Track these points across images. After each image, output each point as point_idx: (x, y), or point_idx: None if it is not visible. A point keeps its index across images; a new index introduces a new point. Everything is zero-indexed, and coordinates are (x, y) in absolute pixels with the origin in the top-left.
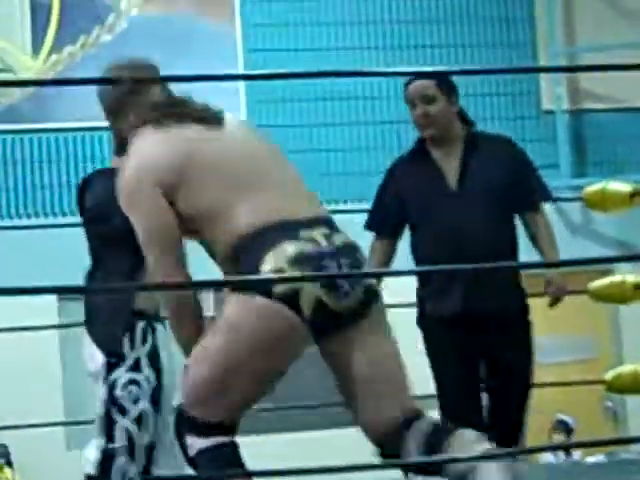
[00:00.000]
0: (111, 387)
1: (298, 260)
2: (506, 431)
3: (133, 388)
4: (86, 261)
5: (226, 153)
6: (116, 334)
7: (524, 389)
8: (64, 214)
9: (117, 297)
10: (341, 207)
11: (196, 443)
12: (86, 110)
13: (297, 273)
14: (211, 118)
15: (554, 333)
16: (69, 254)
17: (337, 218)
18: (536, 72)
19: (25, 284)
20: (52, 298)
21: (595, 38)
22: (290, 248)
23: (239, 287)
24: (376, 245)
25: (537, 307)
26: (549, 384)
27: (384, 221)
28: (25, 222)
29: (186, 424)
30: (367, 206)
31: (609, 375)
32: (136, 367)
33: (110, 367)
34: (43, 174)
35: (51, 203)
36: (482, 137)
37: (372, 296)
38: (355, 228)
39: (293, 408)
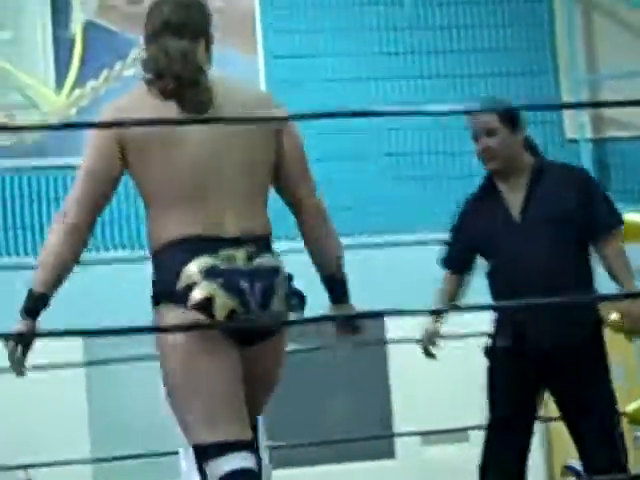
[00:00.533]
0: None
1: (210, 273)
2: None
3: None
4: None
5: (188, 157)
6: None
7: (604, 425)
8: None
9: None
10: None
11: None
12: None
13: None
14: (205, 109)
15: None
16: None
17: None
18: (557, 109)
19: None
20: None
21: (617, 64)
22: (205, 262)
23: (156, 297)
24: (447, 278)
25: None
26: None
27: (454, 258)
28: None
29: (199, 456)
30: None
31: (631, 407)
32: None
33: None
34: None
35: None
36: (550, 166)
37: (277, 325)
38: None
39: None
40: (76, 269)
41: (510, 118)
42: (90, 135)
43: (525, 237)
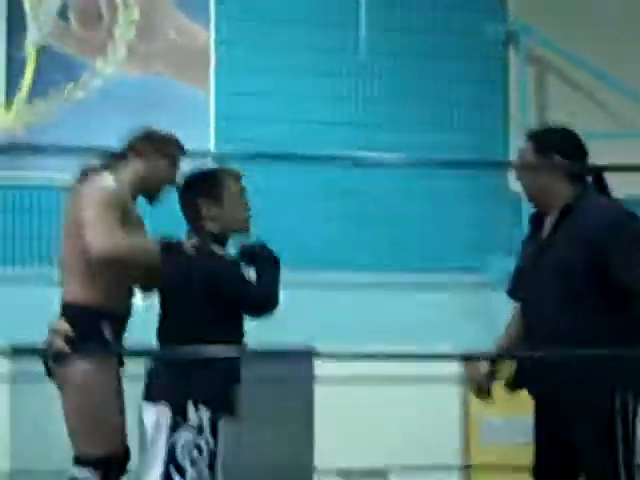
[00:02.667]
0: (172, 447)
1: None
2: None
3: (194, 451)
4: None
5: None
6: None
7: None
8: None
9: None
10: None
11: None
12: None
13: None
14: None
15: None
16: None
17: None
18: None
19: None
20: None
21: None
22: None
23: None
24: (515, 309)
25: None
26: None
27: (512, 286)
28: None
29: None
30: None
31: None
32: (199, 430)
33: (174, 426)
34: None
35: None
36: (582, 204)
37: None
38: None
39: None
40: None
41: (547, 148)
42: None
43: (536, 283)
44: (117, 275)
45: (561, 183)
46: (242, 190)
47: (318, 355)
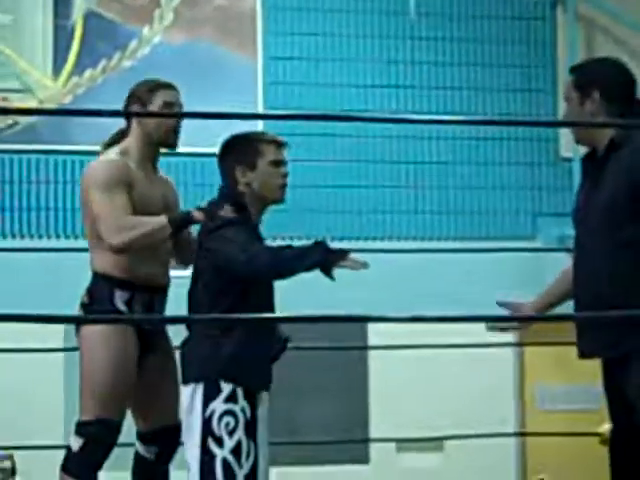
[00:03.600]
0: (208, 419)
1: None
2: None
3: (231, 420)
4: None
5: None
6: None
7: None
8: (76, 237)
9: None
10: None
11: None
12: (101, 134)
13: None
14: None
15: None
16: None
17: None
18: (553, 126)
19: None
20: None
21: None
22: None
23: None
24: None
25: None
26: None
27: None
28: (43, 243)
29: None
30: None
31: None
32: (232, 398)
33: (207, 400)
34: (58, 196)
35: (64, 225)
36: (627, 139)
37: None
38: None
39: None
40: None
41: (585, 83)
42: None
43: (582, 230)
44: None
45: (603, 118)
46: (280, 159)
47: (372, 319)
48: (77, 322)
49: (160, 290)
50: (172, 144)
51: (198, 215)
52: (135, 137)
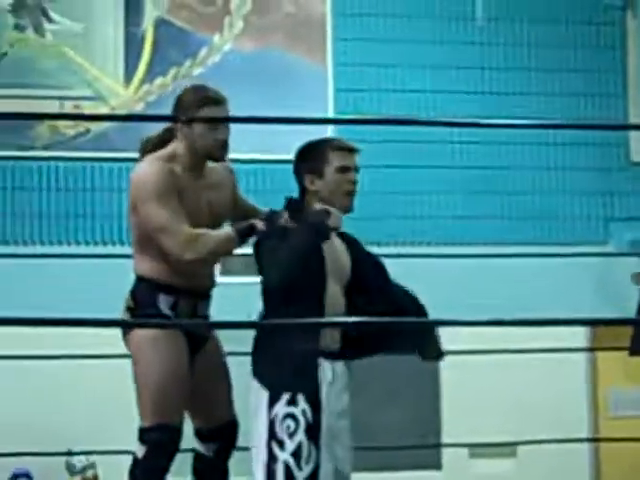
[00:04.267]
0: (271, 423)
1: None
2: None
3: (290, 422)
4: None
5: None
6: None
7: None
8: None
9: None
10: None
11: None
12: None
13: None
14: None
15: None
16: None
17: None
18: (624, 130)
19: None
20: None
21: None
22: None
23: None
24: None
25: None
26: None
27: None
28: (117, 250)
29: None
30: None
31: None
32: (293, 401)
33: (271, 403)
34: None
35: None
36: None
37: None
38: None
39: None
40: None
41: None
42: None
43: None
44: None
45: None
46: (347, 164)
47: (443, 323)
48: (136, 326)
49: (204, 294)
50: (218, 158)
51: (261, 226)
52: (182, 145)
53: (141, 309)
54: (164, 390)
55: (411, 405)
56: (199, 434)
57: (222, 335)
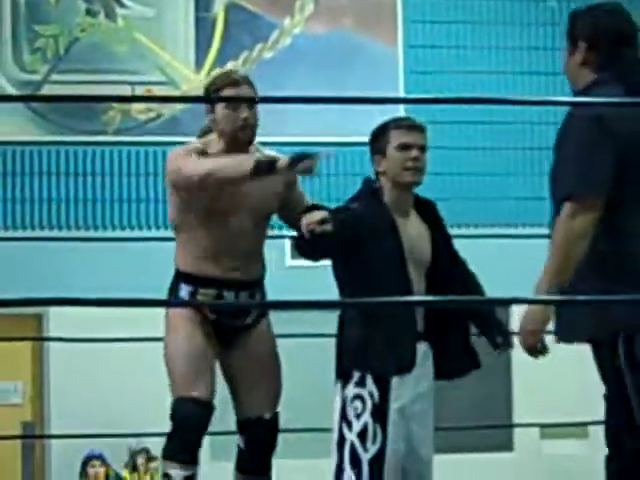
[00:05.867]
0: (343, 404)
1: None
2: None
3: (358, 404)
4: None
5: None
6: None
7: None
8: None
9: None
10: (495, 231)
11: None
12: None
13: None
14: None
15: None
16: None
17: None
18: None
19: None
20: None
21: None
22: None
23: None
24: (586, 216)
25: None
26: None
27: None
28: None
29: None
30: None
31: None
32: (361, 382)
33: (344, 384)
34: None
35: None
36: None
37: None
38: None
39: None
40: None
41: (570, 35)
42: None
43: None
44: (198, 242)
45: (581, 70)
46: (406, 141)
47: (517, 301)
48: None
49: (236, 284)
50: (243, 139)
51: (282, 163)
52: (215, 130)
53: (168, 297)
54: (181, 366)
55: (482, 386)
56: (237, 425)
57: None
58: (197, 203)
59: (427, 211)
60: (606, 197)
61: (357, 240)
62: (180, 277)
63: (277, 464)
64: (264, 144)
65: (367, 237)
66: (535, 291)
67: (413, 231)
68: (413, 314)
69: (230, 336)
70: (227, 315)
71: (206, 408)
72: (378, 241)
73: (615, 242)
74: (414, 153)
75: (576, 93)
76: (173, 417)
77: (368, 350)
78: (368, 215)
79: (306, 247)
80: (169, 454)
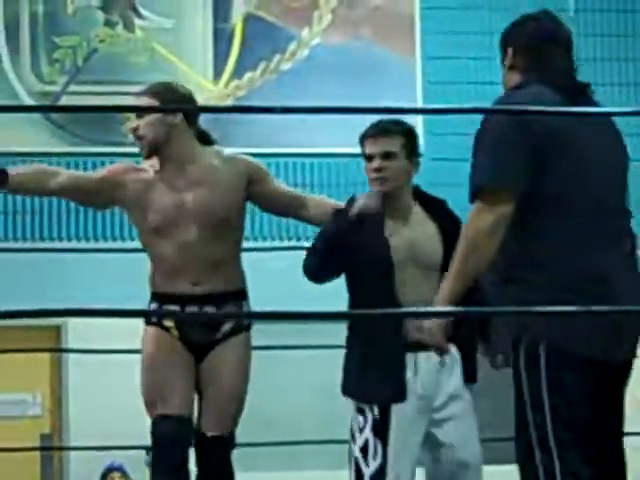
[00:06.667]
0: (353, 416)
1: None
2: None
3: (360, 417)
4: None
5: None
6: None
7: None
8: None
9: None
10: None
11: None
12: (263, 137)
13: None
14: None
15: None
16: None
17: None
18: None
19: None
20: None
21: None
22: None
23: None
24: (501, 212)
25: None
26: None
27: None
28: None
29: None
30: None
31: None
32: (362, 397)
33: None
34: None
35: None
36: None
37: None
38: None
39: None
40: None
41: (501, 43)
42: None
43: None
44: (157, 259)
45: (509, 74)
46: (370, 153)
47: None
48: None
49: (199, 299)
50: (141, 152)
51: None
52: None
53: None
54: (150, 385)
55: (501, 397)
56: None
57: None
58: (134, 221)
59: (437, 210)
60: (519, 193)
61: (348, 253)
62: (151, 295)
63: (294, 476)
64: (298, 155)
65: (355, 247)
66: (439, 292)
67: (415, 232)
68: (399, 330)
69: (200, 351)
70: (194, 331)
71: (177, 424)
72: (363, 250)
73: (530, 245)
74: (375, 164)
75: (502, 96)
76: (152, 436)
77: (361, 382)
78: (356, 226)
79: (313, 269)
80: (154, 474)
